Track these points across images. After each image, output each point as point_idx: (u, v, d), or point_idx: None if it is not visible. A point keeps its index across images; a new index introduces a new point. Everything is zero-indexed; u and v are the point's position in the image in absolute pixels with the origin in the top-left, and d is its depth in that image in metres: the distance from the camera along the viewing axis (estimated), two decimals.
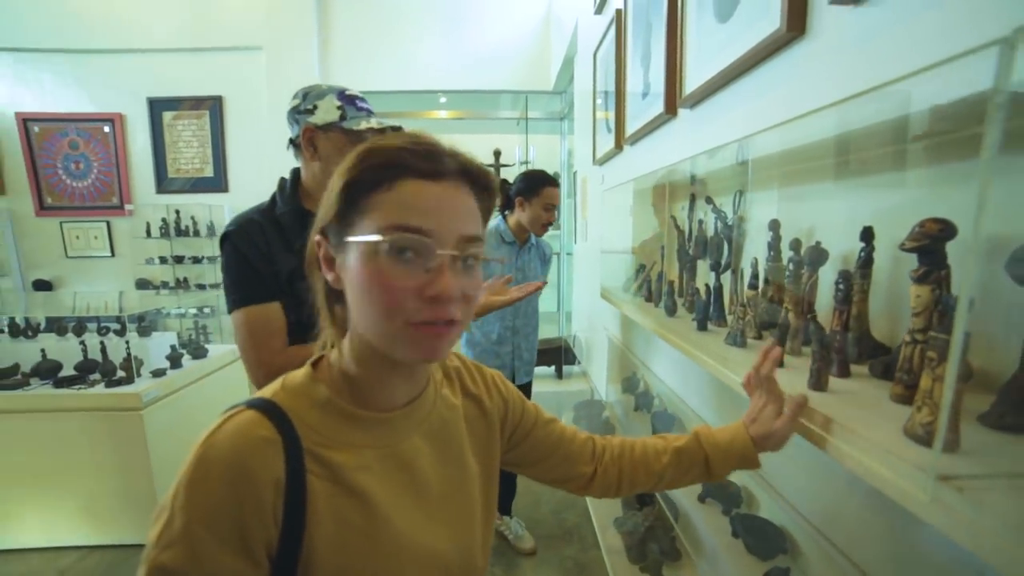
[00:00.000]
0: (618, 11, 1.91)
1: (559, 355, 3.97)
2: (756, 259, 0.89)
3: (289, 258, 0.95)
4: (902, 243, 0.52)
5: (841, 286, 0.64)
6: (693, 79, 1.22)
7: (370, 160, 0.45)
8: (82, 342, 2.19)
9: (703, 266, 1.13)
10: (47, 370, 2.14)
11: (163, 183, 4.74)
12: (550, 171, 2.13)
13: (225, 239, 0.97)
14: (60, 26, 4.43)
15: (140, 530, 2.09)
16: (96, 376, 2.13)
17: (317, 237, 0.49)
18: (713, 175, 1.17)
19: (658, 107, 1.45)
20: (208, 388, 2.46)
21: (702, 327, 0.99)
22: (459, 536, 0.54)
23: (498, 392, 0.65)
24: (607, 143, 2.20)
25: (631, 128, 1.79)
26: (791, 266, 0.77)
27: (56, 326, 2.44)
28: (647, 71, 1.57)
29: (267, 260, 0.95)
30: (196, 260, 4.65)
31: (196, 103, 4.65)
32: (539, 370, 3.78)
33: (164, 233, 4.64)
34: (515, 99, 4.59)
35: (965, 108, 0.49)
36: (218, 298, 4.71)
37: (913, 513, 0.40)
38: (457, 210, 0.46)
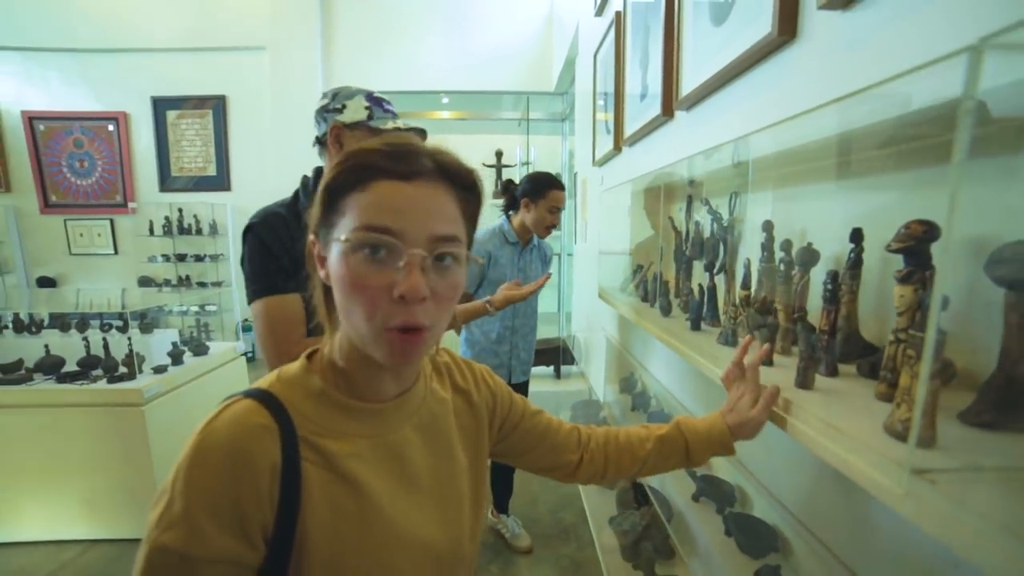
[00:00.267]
0: (617, 13, 1.92)
1: (557, 355, 3.98)
2: (749, 260, 0.90)
3: None
4: (888, 244, 0.53)
5: (828, 286, 0.65)
6: (689, 81, 1.23)
7: (348, 162, 0.47)
8: (85, 338, 2.21)
9: (699, 266, 1.14)
10: (50, 366, 2.16)
11: (166, 181, 4.78)
12: (551, 172, 2.14)
13: (248, 230, 0.99)
14: (66, 26, 4.47)
15: (141, 525, 2.04)
16: (98, 372, 2.15)
17: (311, 236, 0.51)
18: (709, 176, 1.18)
19: (655, 109, 1.46)
20: (209, 385, 2.48)
21: (695, 327, 1.00)
22: (448, 526, 0.55)
23: (487, 386, 0.66)
24: (606, 144, 2.20)
25: (629, 129, 1.80)
26: (782, 267, 0.78)
27: (59, 322, 2.47)
28: (645, 73, 1.58)
29: (289, 252, 0.97)
30: (198, 258, 4.68)
31: (200, 102, 4.68)
32: (537, 370, 3.80)
33: (167, 231, 4.67)
34: (517, 100, 4.60)
35: (948, 111, 0.50)
36: (219, 296, 4.73)
37: (889, 505, 0.41)
38: (429, 210, 0.46)
